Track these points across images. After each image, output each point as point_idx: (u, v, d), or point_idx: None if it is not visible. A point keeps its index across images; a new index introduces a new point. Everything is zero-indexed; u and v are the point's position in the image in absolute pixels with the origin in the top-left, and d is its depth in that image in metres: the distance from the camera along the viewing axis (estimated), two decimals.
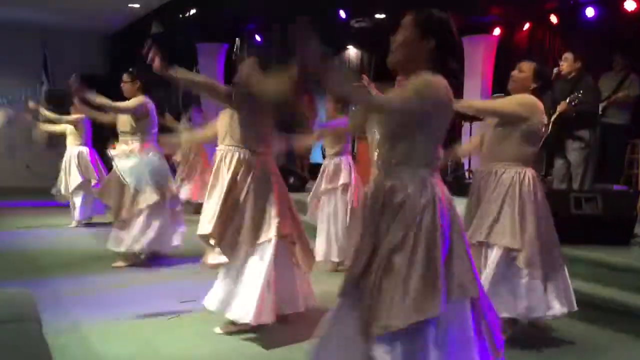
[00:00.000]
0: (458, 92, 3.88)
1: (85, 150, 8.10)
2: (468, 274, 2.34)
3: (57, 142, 8.40)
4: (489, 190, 3.82)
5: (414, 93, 2.35)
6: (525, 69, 3.85)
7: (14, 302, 2.58)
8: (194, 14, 9.75)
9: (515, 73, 3.89)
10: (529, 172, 3.80)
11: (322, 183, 5.86)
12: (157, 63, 3.73)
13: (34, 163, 11.36)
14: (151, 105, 5.77)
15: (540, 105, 3.82)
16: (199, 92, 4.21)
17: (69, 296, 4.76)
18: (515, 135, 3.77)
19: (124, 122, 5.82)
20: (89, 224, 7.98)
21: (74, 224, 7.99)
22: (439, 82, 2.37)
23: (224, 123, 4.13)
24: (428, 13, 2.44)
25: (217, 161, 4.06)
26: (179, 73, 3.85)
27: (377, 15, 9.24)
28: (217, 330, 3.96)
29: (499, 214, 3.76)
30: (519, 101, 3.79)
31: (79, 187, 7.92)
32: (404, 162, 2.41)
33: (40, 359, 2.11)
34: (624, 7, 7.75)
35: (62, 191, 8.06)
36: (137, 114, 5.69)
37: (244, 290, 3.77)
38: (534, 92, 3.84)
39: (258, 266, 3.76)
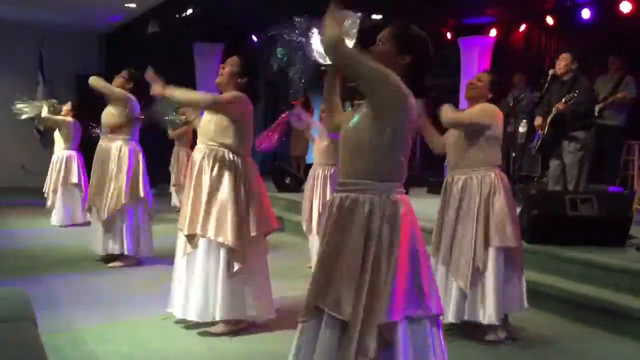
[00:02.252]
0: (454, 95, 3.93)
1: (73, 154, 8.11)
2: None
3: (51, 142, 8.39)
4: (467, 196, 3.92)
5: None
6: (484, 79, 4.09)
7: (8, 302, 2.57)
8: (191, 14, 9.73)
9: (475, 81, 4.11)
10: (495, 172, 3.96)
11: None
12: (156, 89, 3.81)
13: (28, 163, 11.35)
14: (137, 105, 5.75)
15: (500, 112, 4.03)
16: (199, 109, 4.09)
17: (64, 295, 4.74)
18: (480, 141, 3.92)
19: (108, 118, 5.79)
20: (84, 224, 7.94)
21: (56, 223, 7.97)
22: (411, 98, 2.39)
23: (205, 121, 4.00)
24: (407, 28, 2.46)
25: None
26: (178, 92, 3.86)
27: (374, 16, 9.24)
28: (213, 330, 3.95)
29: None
30: (483, 109, 3.97)
31: (64, 191, 7.95)
32: (368, 176, 2.39)
33: (35, 358, 2.10)
34: (620, 8, 7.78)
35: (49, 194, 8.06)
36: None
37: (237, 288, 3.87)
38: (490, 102, 4.04)
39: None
